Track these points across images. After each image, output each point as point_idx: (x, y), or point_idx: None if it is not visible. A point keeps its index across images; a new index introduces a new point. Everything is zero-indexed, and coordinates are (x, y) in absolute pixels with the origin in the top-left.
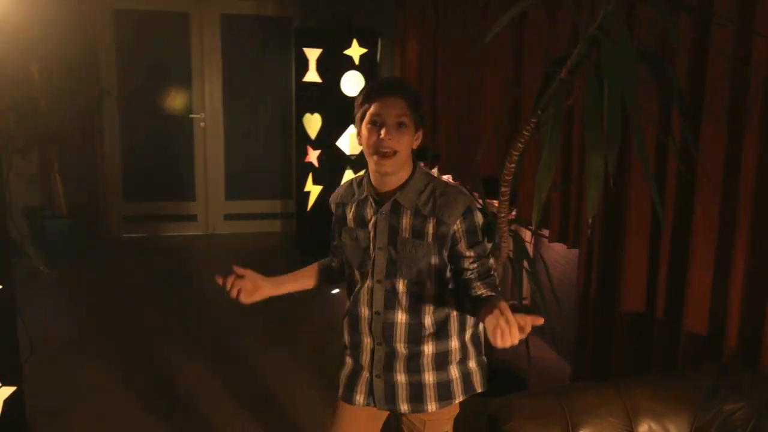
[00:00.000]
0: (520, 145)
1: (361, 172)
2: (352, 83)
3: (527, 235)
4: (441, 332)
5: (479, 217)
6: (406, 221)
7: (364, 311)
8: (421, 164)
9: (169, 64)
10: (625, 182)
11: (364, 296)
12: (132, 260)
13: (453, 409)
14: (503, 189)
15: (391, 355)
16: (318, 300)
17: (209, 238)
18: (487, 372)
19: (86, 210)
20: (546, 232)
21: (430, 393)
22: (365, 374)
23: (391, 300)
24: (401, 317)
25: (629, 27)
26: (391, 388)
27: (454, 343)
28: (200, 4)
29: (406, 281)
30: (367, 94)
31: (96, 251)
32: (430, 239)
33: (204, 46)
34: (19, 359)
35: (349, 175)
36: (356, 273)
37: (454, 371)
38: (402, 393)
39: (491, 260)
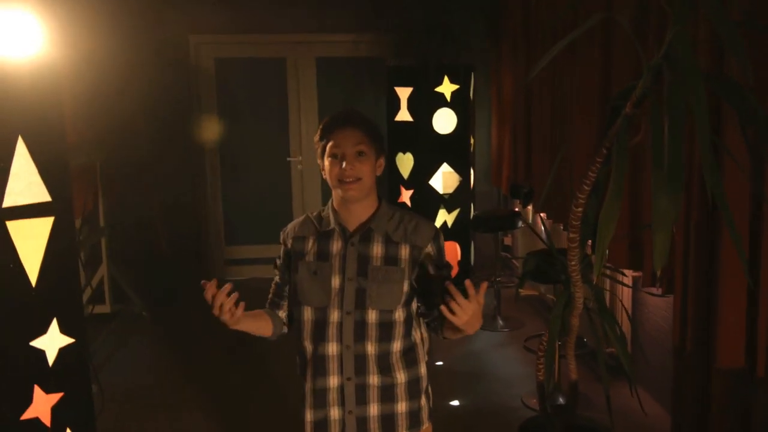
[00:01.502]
0: (585, 187)
1: (319, 209)
2: (444, 121)
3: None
4: (410, 359)
5: (442, 241)
6: (377, 249)
7: (332, 348)
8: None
9: (266, 108)
10: (715, 220)
11: (331, 332)
12: None
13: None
14: (571, 235)
15: (362, 388)
16: None
17: None
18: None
19: (188, 254)
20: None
21: (401, 422)
22: (335, 414)
23: (360, 332)
24: (371, 348)
25: (694, 52)
26: (363, 423)
27: (423, 370)
28: (296, 49)
29: (376, 311)
30: (325, 129)
31: (198, 295)
32: (403, 265)
33: (300, 89)
34: (93, 413)
35: (443, 215)
36: (307, 310)
37: (423, 397)
38: (374, 426)
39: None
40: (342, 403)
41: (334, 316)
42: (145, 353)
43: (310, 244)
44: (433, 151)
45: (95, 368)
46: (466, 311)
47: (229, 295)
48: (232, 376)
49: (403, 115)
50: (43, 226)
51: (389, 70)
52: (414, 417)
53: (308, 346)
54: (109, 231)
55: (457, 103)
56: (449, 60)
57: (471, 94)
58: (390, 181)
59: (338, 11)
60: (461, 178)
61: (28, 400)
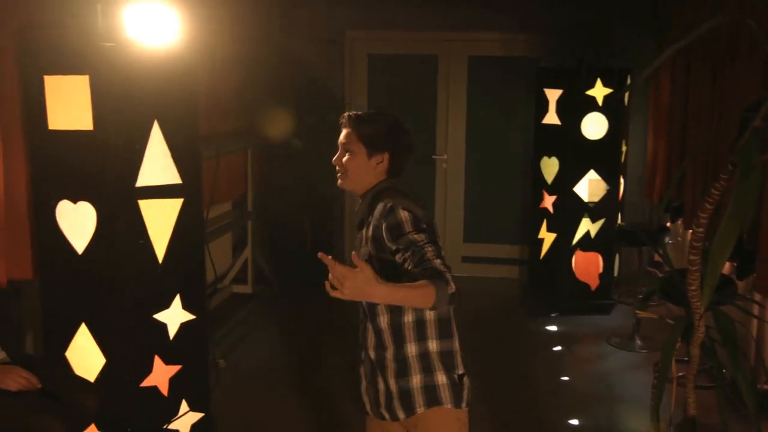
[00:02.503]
0: (708, 206)
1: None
2: (594, 126)
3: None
4: (397, 337)
5: (403, 215)
6: (365, 231)
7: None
8: None
9: (415, 105)
10: None
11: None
12: None
13: (439, 417)
14: (692, 257)
15: (369, 361)
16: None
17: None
18: (462, 390)
19: (330, 244)
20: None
21: (396, 403)
22: (363, 382)
23: (363, 307)
24: (368, 324)
25: None
26: (375, 393)
27: (412, 350)
28: (448, 47)
29: None
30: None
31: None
32: (368, 242)
33: (450, 87)
34: (208, 387)
35: (586, 224)
36: None
37: (416, 380)
38: (381, 399)
39: (428, 248)
40: (365, 374)
41: None
42: (275, 336)
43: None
44: (581, 156)
45: (224, 346)
46: (342, 283)
47: None
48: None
49: (551, 117)
50: (173, 206)
51: (539, 71)
52: (405, 397)
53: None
54: (255, 216)
55: (609, 107)
56: (603, 62)
57: (626, 99)
58: (534, 185)
59: (492, 10)
60: (609, 187)
61: (148, 369)
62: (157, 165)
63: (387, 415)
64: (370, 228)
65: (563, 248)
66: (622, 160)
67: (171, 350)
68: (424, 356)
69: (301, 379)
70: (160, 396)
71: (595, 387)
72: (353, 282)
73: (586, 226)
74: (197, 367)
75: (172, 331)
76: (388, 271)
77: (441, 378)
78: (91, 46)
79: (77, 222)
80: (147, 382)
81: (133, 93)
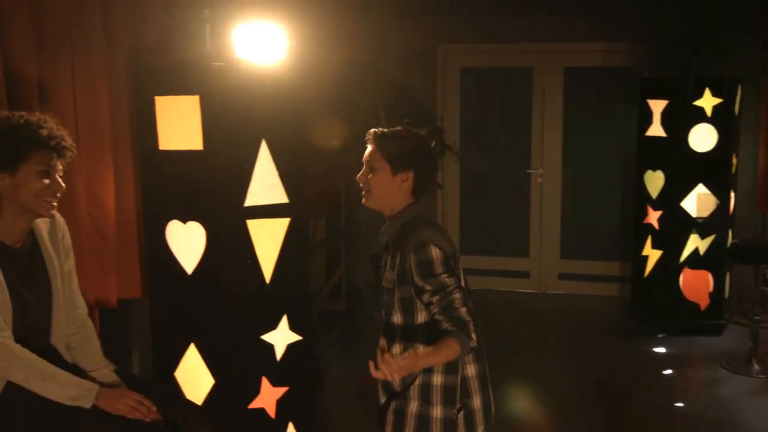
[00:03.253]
0: None
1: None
2: (702, 137)
3: None
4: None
5: (435, 252)
6: (387, 256)
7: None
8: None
9: (510, 119)
10: None
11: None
12: None
13: None
14: None
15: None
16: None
17: (542, 298)
18: (454, 428)
19: None
20: None
21: (409, 421)
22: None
23: (389, 330)
24: (382, 343)
25: None
26: (384, 414)
27: (418, 380)
28: (543, 59)
29: (383, 311)
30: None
31: None
32: (395, 272)
33: (545, 100)
34: (315, 409)
35: (695, 240)
36: None
37: (413, 407)
38: (385, 418)
39: (456, 294)
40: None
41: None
42: (372, 353)
43: None
44: (688, 170)
45: (323, 365)
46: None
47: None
48: None
49: (656, 129)
50: (280, 226)
51: (642, 82)
52: (399, 421)
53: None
54: (348, 232)
55: (719, 118)
56: (710, 70)
57: (736, 110)
58: (637, 200)
59: (588, 19)
60: (719, 202)
61: (256, 390)
62: (265, 184)
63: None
64: (398, 258)
65: (670, 266)
66: (733, 173)
67: (278, 372)
68: (425, 387)
69: None
70: (268, 418)
71: (712, 414)
72: (397, 369)
73: (695, 243)
74: (304, 388)
75: (279, 352)
76: (406, 304)
77: (437, 412)
78: (201, 66)
79: (187, 241)
80: (255, 404)
81: (241, 112)
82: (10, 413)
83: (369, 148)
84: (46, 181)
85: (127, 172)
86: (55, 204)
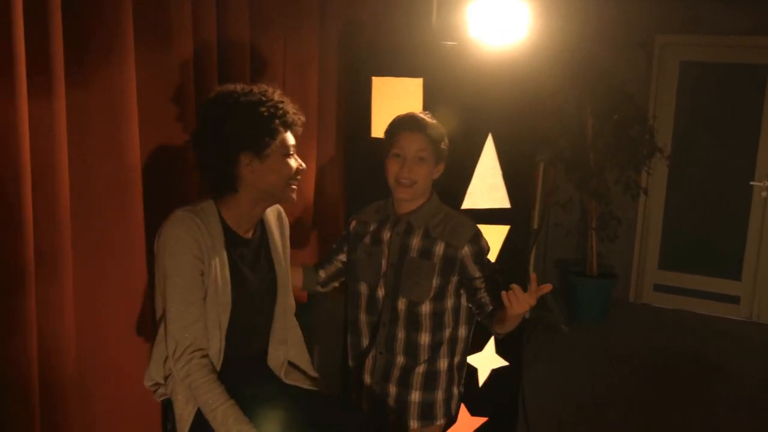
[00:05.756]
0: None
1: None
2: None
3: None
4: (435, 352)
5: (486, 245)
6: (416, 242)
7: (366, 318)
8: None
9: (734, 122)
10: None
11: (370, 306)
12: (656, 333)
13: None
14: None
15: (389, 365)
16: None
17: (751, 327)
18: (459, 402)
19: (616, 271)
20: None
21: (413, 410)
22: (366, 379)
23: (394, 314)
24: (401, 333)
25: None
26: (385, 397)
27: (444, 365)
28: None
29: (406, 300)
30: (391, 130)
31: (620, 317)
32: (436, 260)
33: None
34: None
35: None
36: (362, 285)
37: (440, 393)
38: (391, 403)
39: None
40: (372, 374)
41: (380, 293)
42: (558, 369)
43: (371, 229)
44: None
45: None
46: (521, 304)
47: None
48: (660, 407)
49: None
50: (498, 234)
51: None
52: (427, 409)
53: (362, 317)
54: (540, 235)
55: None
56: None
57: None
58: None
59: None
60: None
61: (452, 418)
62: (486, 185)
63: (393, 418)
64: (439, 246)
65: None
66: None
67: (479, 399)
68: (437, 374)
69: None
70: None
71: None
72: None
73: None
74: (505, 421)
75: (482, 378)
76: (441, 291)
77: (456, 391)
78: (428, 46)
79: None
80: None
81: (470, 100)
82: None
83: (417, 137)
84: (294, 163)
85: (332, 159)
86: (296, 188)
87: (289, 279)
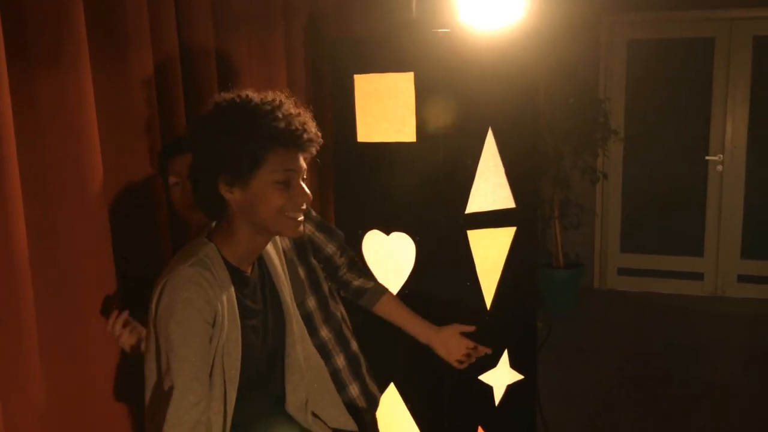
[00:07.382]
0: None
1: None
2: None
3: None
4: (341, 339)
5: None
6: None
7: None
8: None
9: (684, 98)
10: None
11: None
12: (624, 318)
13: None
14: None
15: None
16: None
17: (716, 302)
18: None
19: (580, 260)
20: None
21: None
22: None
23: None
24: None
25: None
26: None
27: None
28: (730, 27)
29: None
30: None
31: (588, 305)
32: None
33: (730, 76)
34: None
35: None
36: None
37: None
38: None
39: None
40: None
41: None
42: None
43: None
44: None
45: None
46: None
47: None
48: (642, 398)
49: None
50: (504, 237)
51: None
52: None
53: None
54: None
55: None
56: None
57: None
58: None
59: None
60: None
61: None
62: (488, 185)
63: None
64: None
65: None
66: None
67: (496, 419)
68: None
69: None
70: None
71: None
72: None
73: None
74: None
75: (498, 395)
76: (312, 279)
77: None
78: (417, 35)
79: (389, 257)
80: None
81: (467, 93)
82: None
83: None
84: (288, 191)
85: (310, 169)
86: (301, 219)
87: (296, 311)
